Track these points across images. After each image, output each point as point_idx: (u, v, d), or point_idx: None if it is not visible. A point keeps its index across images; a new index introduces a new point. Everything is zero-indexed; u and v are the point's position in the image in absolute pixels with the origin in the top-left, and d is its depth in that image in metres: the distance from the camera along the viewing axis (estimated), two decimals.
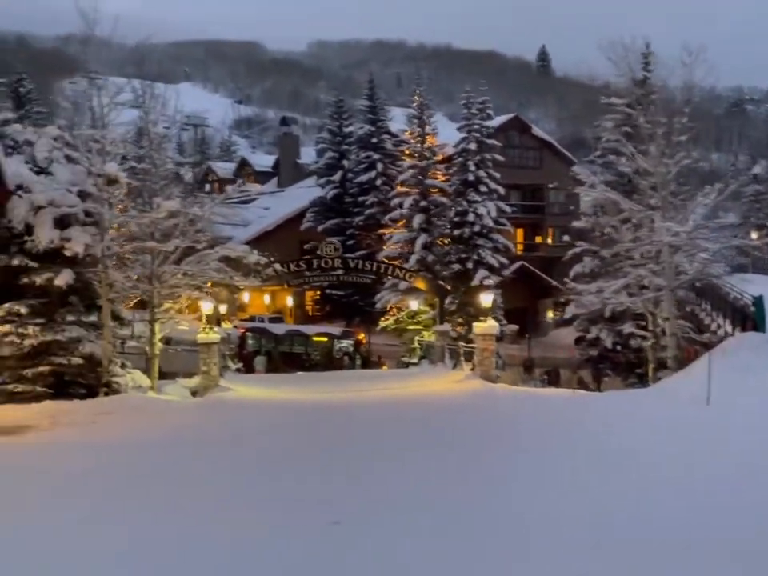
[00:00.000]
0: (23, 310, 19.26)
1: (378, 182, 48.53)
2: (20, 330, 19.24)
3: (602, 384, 30.57)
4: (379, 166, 48.73)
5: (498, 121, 48.76)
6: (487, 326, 22.77)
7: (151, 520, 8.25)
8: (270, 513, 8.43)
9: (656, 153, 20.21)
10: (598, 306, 22.48)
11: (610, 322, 29.61)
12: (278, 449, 12.64)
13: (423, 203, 32.50)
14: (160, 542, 7.45)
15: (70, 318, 20.57)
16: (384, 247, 43.30)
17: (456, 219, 31.31)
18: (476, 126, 32.21)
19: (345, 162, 51.60)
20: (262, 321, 40.28)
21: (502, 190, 33.66)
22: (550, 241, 54.46)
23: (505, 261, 32.34)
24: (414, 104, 50.16)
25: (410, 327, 32.21)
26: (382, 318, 46.70)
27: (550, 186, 43.43)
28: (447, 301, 30.65)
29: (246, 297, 31.54)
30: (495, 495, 8.90)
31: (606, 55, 20.67)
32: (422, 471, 10.22)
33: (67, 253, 19.26)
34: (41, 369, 19.48)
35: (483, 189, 31.55)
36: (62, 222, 19.76)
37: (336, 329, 37.11)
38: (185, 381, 24.20)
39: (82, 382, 20.22)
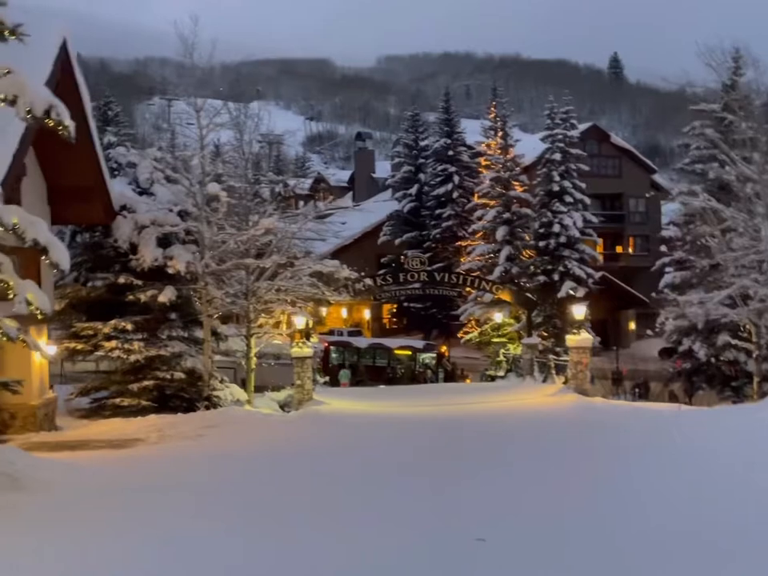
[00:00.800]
0: (129, 326, 19.97)
1: (455, 194, 48.53)
2: (125, 346, 19.96)
3: (693, 398, 29.64)
4: (456, 179, 48.75)
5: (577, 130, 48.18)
6: (581, 338, 22.38)
7: (298, 533, 8.35)
8: (407, 528, 8.43)
9: (760, 159, 19.56)
10: (702, 318, 21.83)
11: (704, 334, 28.74)
12: (392, 462, 12.68)
13: (506, 215, 32.28)
14: (312, 559, 7.52)
15: (170, 333, 21.24)
16: (462, 259, 43.27)
17: (541, 230, 30.98)
18: (560, 136, 31.85)
19: (421, 176, 51.75)
20: (341, 334, 40.67)
21: (587, 200, 33.17)
22: (630, 250, 53.25)
23: (592, 272, 31.79)
24: (491, 115, 50.37)
25: (495, 340, 31.93)
26: (461, 331, 46.61)
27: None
28: (534, 313, 30.28)
29: (324, 311, 31.90)
30: (635, 510, 8.70)
31: (705, 61, 20.12)
32: (550, 486, 10.08)
33: (170, 270, 19.90)
34: (145, 383, 20.14)
35: (568, 199, 31.14)
36: (164, 241, 20.46)
37: (418, 342, 37.11)
38: (273, 394, 24.59)
39: (184, 395, 20.79)
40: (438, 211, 49.13)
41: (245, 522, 8.99)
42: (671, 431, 15.39)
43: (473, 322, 47.01)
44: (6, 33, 10.48)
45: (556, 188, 30.98)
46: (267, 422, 19.57)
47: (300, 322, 23.55)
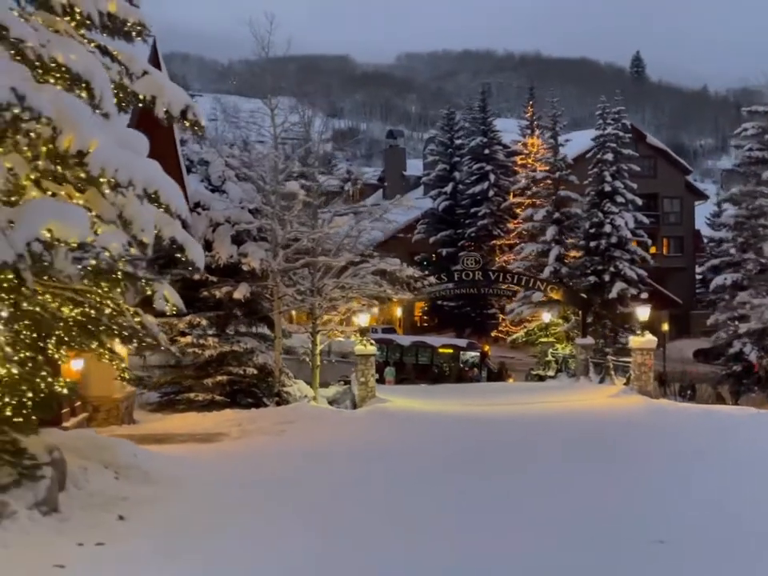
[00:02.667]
0: (203, 322, 20.21)
1: (491, 193, 48.57)
2: (200, 341, 20.19)
3: (740, 400, 29.62)
4: (491, 177, 48.80)
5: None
6: (645, 339, 22.46)
7: (445, 532, 8.51)
8: (553, 527, 8.58)
9: None
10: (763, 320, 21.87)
11: (755, 337, 28.74)
12: (489, 460, 12.79)
13: (556, 215, 32.34)
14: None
15: (237, 329, 21.47)
16: (498, 258, 43.32)
17: (591, 231, 31.02)
18: (612, 136, 31.87)
19: (456, 174, 51.81)
20: (375, 331, 40.81)
21: (639, 201, 33.17)
22: (664, 251, 53.17)
23: (643, 273, 31.82)
24: (528, 114, 50.43)
25: (542, 340, 32.02)
26: (496, 330, 46.73)
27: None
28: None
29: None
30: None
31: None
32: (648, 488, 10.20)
33: (244, 267, 20.12)
34: (218, 378, 20.38)
35: (620, 199, 31.17)
36: (238, 238, 20.67)
37: (461, 340, 37.25)
38: (322, 390, 24.76)
39: (255, 391, 21.03)
40: (473, 210, 49.16)
41: (384, 519, 9.16)
42: (753, 434, 15.51)
43: (506, 321, 47.25)
44: (134, 33, 10.66)
45: (607, 188, 31.01)
46: (339, 418, 19.77)
47: (363, 319, 23.77)
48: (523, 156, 48.76)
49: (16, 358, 7.11)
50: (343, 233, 22.60)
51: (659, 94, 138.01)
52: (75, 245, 6.30)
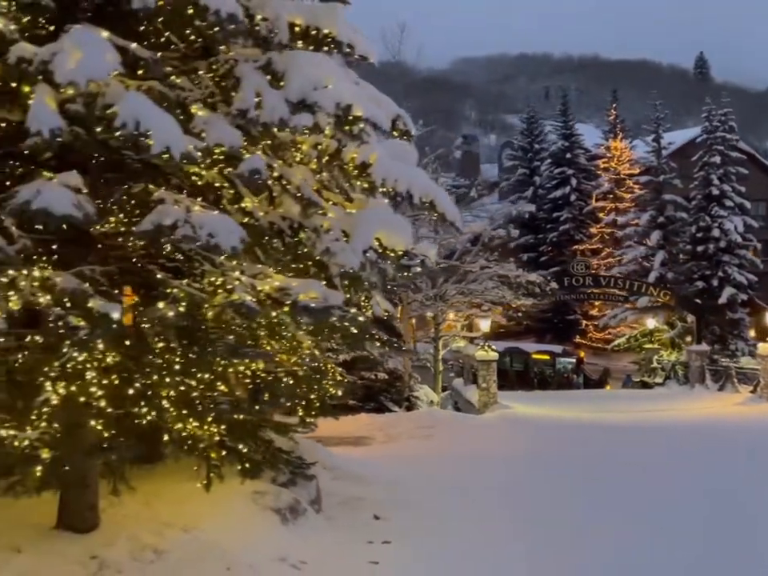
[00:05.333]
0: None
1: (572, 197, 48.21)
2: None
3: None
4: (573, 182, 48.44)
5: (695, 132, 47.42)
6: None
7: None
8: None
9: None
10: None
11: None
12: (654, 468, 12.66)
13: (661, 219, 31.95)
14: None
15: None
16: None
17: (698, 235, 30.56)
18: (718, 139, 31.39)
19: (536, 178, 51.56)
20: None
21: (747, 204, 32.56)
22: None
23: (753, 278, 31.22)
24: (611, 117, 50.03)
25: (647, 346, 31.59)
26: (576, 337, 46.37)
27: None
28: (690, 320, 29.89)
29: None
30: None
31: None
32: None
33: None
34: (352, 382, 20.63)
35: (728, 203, 30.66)
36: None
37: (557, 347, 37.03)
38: None
39: (386, 396, 21.25)
40: (554, 214, 48.83)
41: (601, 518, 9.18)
42: None
43: (590, 327, 46.74)
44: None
45: (715, 192, 30.53)
46: (474, 423, 19.87)
47: (485, 325, 23.85)
48: (606, 159, 48.42)
49: (314, 364, 7.37)
50: (466, 239, 22.74)
51: (724, 95, 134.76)
52: (401, 252, 6.53)
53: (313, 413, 7.67)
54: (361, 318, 6.62)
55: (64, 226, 4.73)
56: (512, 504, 10.12)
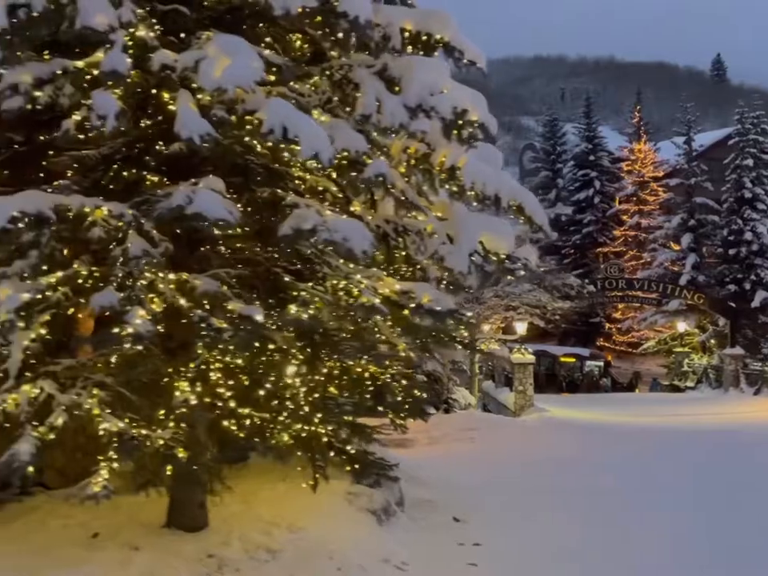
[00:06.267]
0: None
1: (596, 199, 48.13)
2: None
3: None
4: (596, 184, 48.37)
5: (723, 132, 47.24)
6: None
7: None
8: None
9: None
10: None
11: None
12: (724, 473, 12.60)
13: (692, 222, 31.85)
14: None
15: None
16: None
17: (730, 238, 30.43)
18: (751, 142, 31.23)
19: (559, 181, 51.52)
20: None
21: None
22: None
23: None
24: (634, 120, 49.97)
25: (677, 350, 31.50)
26: (599, 340, 46.30)
27: None
28: (721, 323, 29.78)
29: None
30: None
31: None
32: None
33: None
34: None
35: (761, 206, 30.53)
36: None
37: (584, 350, 36.99)
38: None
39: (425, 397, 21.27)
40: (577, 217, 48.75)
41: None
42: None
43: (614, 330, 46.62)
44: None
45: (748, 195, 30.39)
46: (515, 426, 19.87)
47: (521, 327, 23.84)
48: (629, 162, 48.34)
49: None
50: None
51: (742, 98, 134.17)
52: (504, 256, 6.59)
53: (402, 415, 7.72)
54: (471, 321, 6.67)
55: (216, 230, 4.81)
56: (587, 507, 10.11)
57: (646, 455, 14.86)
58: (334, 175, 6.33)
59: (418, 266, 6.60)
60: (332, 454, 6.40)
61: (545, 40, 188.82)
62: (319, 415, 6.18)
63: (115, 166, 5.66)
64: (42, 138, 6.05)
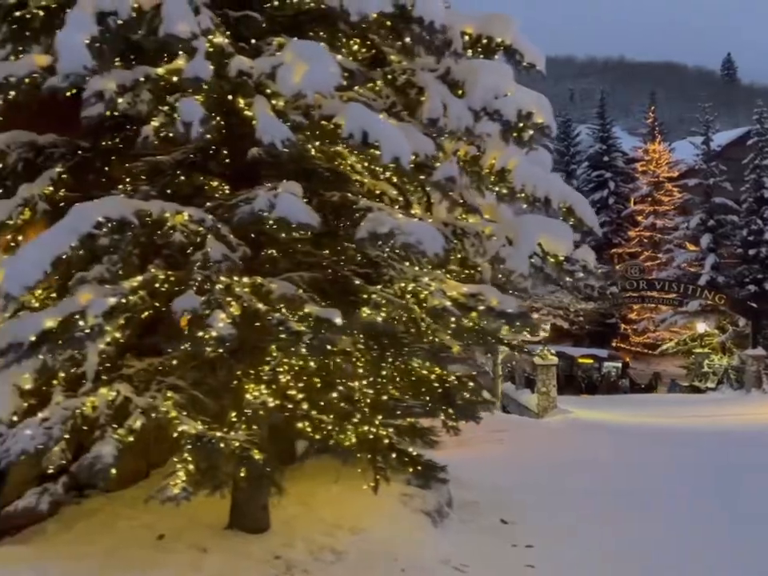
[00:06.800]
0: None
1: (610, 200, 48.09)
2: None
3: None
4: (611, 185, 48.32)
5: (738, 132, 47.15)
6: None
7: None
8: None
9: None
10: None
11: None
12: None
13: (711, 222, 31.77)
14: None
15: None
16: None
17: (750, 238, 30.35)
18: None
19: (573, 182, 51.44)
20: None
21: None
22: None
23: None
24: (648, 120, 49.86)
25: (697, 351, 31.40)
26: (614, 341, 46.16)
27: None
28: (742, 324, 29.67)
29: None
30: None
31: None
32: None
33: None
34: None
35: None
36: None
37: (602, 351, 36.91)
38: None
39: None
40: None
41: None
42: None
43: (629, 331, 46.47)
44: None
45: (767, 194, 30.33)
46: (541, 427, 19.85)
47: (544, 329, 23.82)
48: (644, 162, 48.23)
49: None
50: None
51: (753, 98, 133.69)
52: (562, 258, 6.61)
53: (454, 416, 7.74)
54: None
55: (296, 234, 4.86)
56: (633, 509, 10.08)
57: (683, 456, 14.82)
58: (395, 179, 6.36)
59: (478, 269, 6.62)
60: (393, 455, 6.40)
61: (552, 40, 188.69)
62: (380, 417, 6.22)
63: (179, 171, 5.72)
64: (105, 144, 6.14)
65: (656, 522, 9.21)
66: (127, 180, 6.02)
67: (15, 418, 5.21)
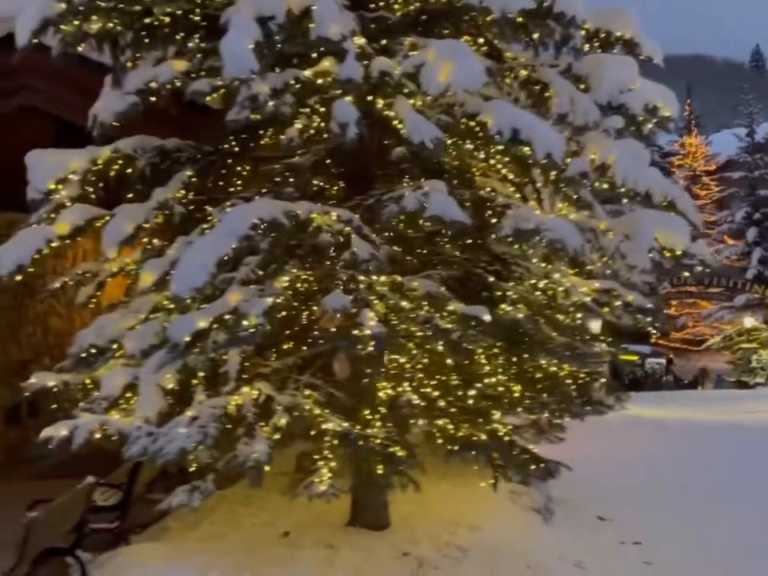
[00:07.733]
0: None
1: None
2: None
3: None
4: None
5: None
6: None
7: None
8: None
9: None
10: None
11: None
12: None
13: (756, 215, 31.37)
14: None
15: None
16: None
17: None
18: None
19: None
20: None
21: None
22: None
23: None
24: (685, 113, 49.30)
25: (744, 346, 30.99)
26: (652, 337, 45.75)
27: None
28: None
29: None
30: None
31: None
32: None
33: None
34: None
35: None
36: None
37: (645, 347, 36.51)
38: None
39: None
40: None
41: None
42: None
43: (669, 327, 46.07)
44: None
45: None
46: (598, 423, 19.50)
47: (596, 326, 23.65)
48: (680, 156, 47.67)
49: None
50: None
51: None
52: (680, 252, 6.56)
53: (557, 414, 7.73)
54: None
55: (448, 232, 4.89)
56: (726, 503, 9.98)
57: (754, 452, 14.58)
58: (510, 176, 6.36)
59: (597, 264, 6.59)
60: (515, 453, 6.40)
61: None
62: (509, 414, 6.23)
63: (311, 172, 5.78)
64: (228, 147, 6.22)
65: (753, 518, 9.11)
66: (254, 182, 6.13)
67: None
